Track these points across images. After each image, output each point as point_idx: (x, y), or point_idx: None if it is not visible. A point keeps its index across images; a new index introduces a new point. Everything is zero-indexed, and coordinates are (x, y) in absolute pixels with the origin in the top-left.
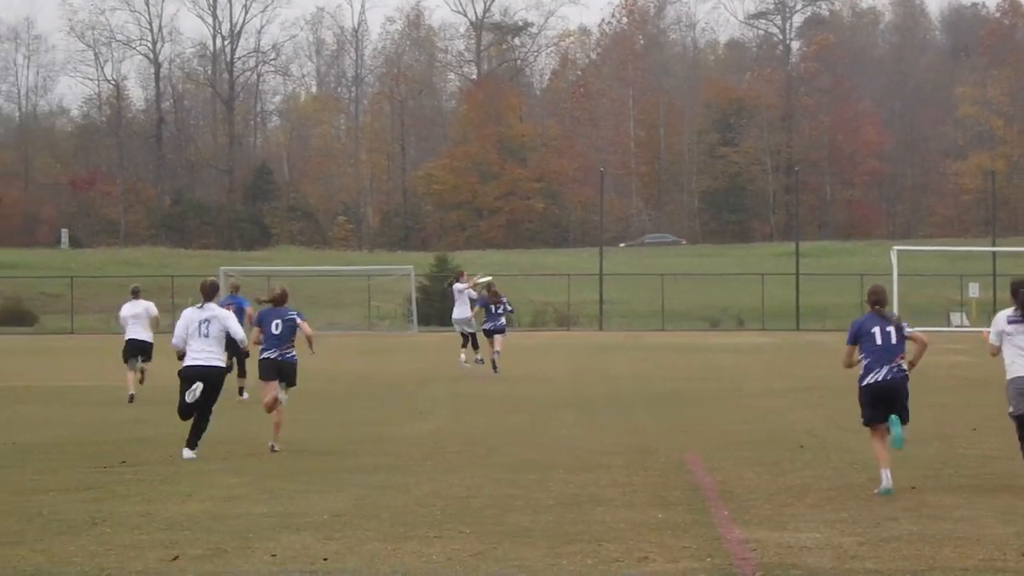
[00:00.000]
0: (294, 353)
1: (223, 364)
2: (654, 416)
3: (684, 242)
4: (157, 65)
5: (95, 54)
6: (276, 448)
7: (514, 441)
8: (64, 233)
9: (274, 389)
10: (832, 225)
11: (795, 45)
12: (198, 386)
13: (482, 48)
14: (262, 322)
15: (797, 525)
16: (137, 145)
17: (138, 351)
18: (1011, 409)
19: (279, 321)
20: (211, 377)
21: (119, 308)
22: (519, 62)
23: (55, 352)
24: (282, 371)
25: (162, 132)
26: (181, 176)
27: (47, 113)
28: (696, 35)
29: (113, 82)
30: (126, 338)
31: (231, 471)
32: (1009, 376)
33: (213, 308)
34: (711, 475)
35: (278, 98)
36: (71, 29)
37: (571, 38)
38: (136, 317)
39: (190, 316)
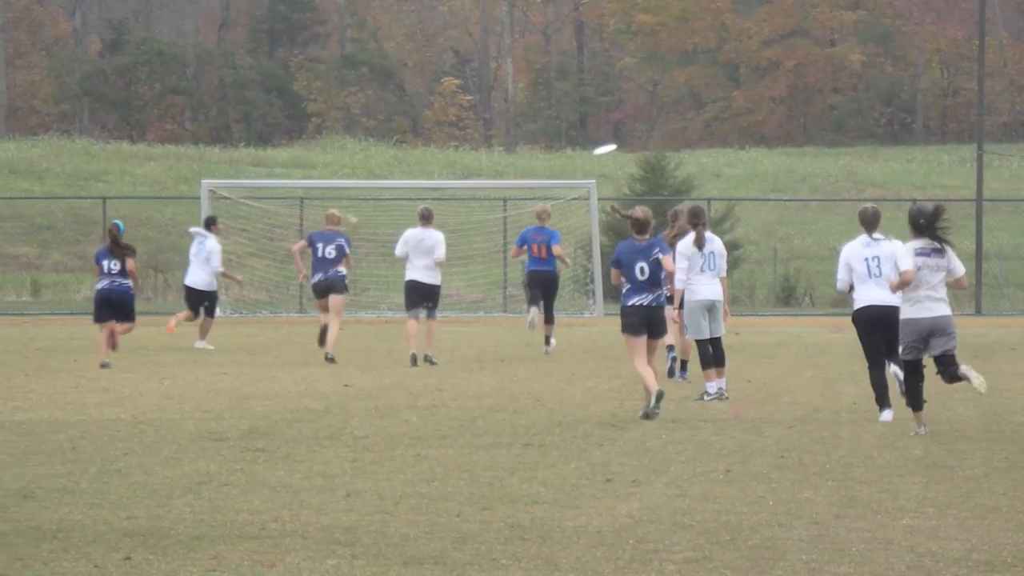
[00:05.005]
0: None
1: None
2: None
3: None
4: None
5: None
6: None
7: (797, 549)
8: None
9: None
10: None
11: None
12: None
13: None
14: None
15: None
16: None
17: (423, 297)
18: None
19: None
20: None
21: (398, 237)
22: None
23: None
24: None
25: None
26: None
27: None
28: None
29: None
30: (406, 278)
31: None
32: None
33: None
34: None
35: None
36: None
37: None
38: (420, 251)
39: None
